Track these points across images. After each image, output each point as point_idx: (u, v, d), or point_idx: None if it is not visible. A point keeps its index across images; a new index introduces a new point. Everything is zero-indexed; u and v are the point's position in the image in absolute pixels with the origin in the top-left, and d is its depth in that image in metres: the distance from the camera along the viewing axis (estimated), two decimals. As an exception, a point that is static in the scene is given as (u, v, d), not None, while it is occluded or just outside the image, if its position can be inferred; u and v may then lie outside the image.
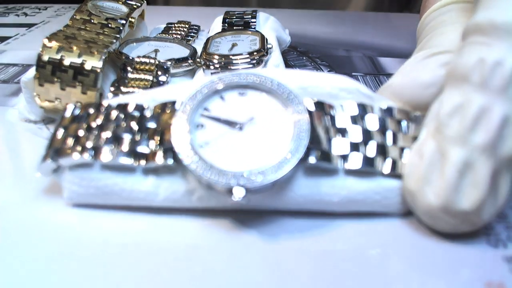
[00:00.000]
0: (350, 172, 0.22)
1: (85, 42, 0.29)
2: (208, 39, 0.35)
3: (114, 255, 0.20)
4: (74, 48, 0.28)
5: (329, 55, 0.45)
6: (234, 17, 0.39)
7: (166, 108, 0.23)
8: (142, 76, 0.30)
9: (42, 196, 0.24)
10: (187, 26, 0.42)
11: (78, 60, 0.28)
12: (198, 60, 0.33)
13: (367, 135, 0.22)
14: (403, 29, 0.52)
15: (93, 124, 0.22)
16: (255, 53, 0.32)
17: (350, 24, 0.55)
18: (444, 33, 0.26)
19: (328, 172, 0.22)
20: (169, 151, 0.21)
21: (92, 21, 0.32)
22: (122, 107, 0.23)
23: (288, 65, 0.35)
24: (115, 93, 0.29)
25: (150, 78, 0.30)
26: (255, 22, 0.39)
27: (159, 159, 0.21)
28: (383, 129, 0.23)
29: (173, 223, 0.22)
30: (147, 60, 0.31)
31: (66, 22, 0.32)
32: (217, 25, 0.40)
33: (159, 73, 0.31)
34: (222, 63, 0.32)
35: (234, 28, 0.37)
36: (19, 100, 0.31)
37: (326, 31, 0.52)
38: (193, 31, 0.41)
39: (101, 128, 0.22)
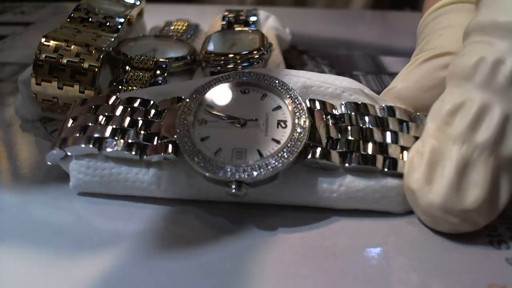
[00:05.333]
0: (350, 170, 0.22)
1: (83, 41, 0.29)
2: (207, 38, 0.35)
3: (112, 253, 0.20)
4: (72, 46, 0.28)
5: (329, 54, 0.44)
6: (234, 15, 0.39)
7: (172, 104, 0.23)
8: (140, 75, 0.30)
9: (39, 196, 0.23)
10: (186, 24, 0.42)
11: (76, 59, 0.28)
12: (197, 58, 0.33)
13: (368, 134, 0.22)
14: (405, 27, 0.52)
15: (101, 116, 0.23)
16: (254, 52, 0.32)
17: (350, 23, 0.55)
18: (442, 34, 0.26)
19: (327, 169, 0.22)
20: (171, 144, 0.22)
21: (90, 19, 0.32)
22: (129, 101, 0.24)
23: (288, 64, 0.35)
24: (113, 92, 0.28)
25: (149, 77, 0.30)
26: (255, 20, 0.38)
27: (161, 152, 0.22)
28: (384, 129, 0.23)
29: (172, 214, 0.22)
30: (145, 59, 0.31)
31: (64, 21, 0.32)
32: (216, 23, 0.40)
33: (158, 72, 0.30)
34: (222, 62, 0.31)
35: (234, 26, 0.37)
36: (16, 99, 0.31)
37: (326, 30, 0.51)
38: (192, 29, 0.41)
39: (107, 120, 0.23)
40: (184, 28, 0.41)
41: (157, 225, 0.22)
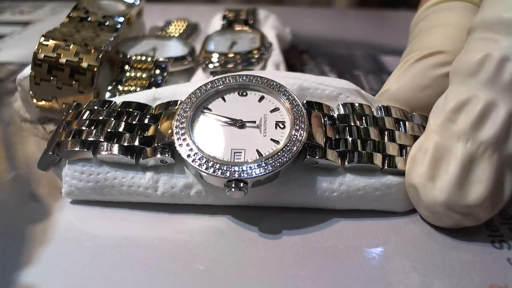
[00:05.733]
0: (349, 169, 0.22)
1: (82, 40, 0.29)
2: (207, 37, 0.35)
3: (112, 254, 0.20)
4: (71, 46, 0.28)
5: (329, 53, 0.44)
6: (234, 15, 0.39)
7: (168, 107, 0.23)
8: (139, 74, 0.30)
9: (38, 196, 0.23)
10: (185, 23, 0.42)
11: (75, 59, 0.28)
12: (197, 58, 0.33)
13: (366, 134, 0.22)
14: (404, 26, 0.52)
15: (95, 120, 0.23)
16: (254, 52, 0.32)
17: (350, 22, 0.55)
18: (432, 33, 0.26)
19: (327, 169, 0.22)
20: (167, 147, 0.21)
21: (89, 19, 0.32)
22: (125, 105, 0.24)
23: (288, 63, 0.35)
24: (113, 92, 0.28)
25: (148, 76, 0.30)
26: (255, 20, 0.38)
27: (158, 154, 0.21)
28: (381, 128, 0.23)
29: (169, 217, 0.22)
30: (145, 59, 0.31)
31: (63, 20, 0.31)
32: (216, 22, 0.40)
33: (157, 71, 0.30)
34: (222, 61, 0.31)
35: (234, 26, 0.37)
36: (15, 99, 0.31)
37: (326, 29, 0.51)
38: (192, 29, 0.41)
39: (102, 124, 0.23)
40: (183, 27, 0.41)
41: (154, 229, 0.21)
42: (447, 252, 0.20)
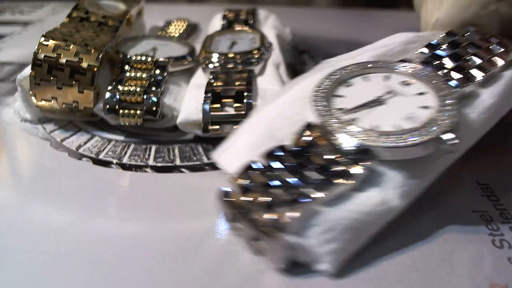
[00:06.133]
0: (483, 84, 0.22)
1: (82, 40, 0.29)
2: (207, 37, 0.35)
3: (112, 254, 0.20)
4: (71, 46, 0.28)
5: (330, 53, 0.44)
6: (234, 15, 0.39)
7: (304, 133, 0.20)
8: (139, 74, 0.30)
9: (39, 197, 0.23)
10: (185, 23, 0.42)
11: (75, 59, 0.28)
12: (197, 58, 0.33)
13: (460, 55, 0.23)
14: (402, 26, 0.52)
15: (263, 183, 0.19)
16: (254, 52, 0.32)
17: (350, 22, 0.55)
18: None
19: (469, 96, 0.22)
20: (355, 155, 0.19)
21: (89, 19, 0.32)
22: (268, 156, 0.20)
23: (288, 63, 0.35)
24: (112, 92, 0.28)
25: (148, 76, 0.30)
26: (255, 20, 0.38)
27: (359, 168, 0.19)
28: (462, 46, 0.24)
29: (170, 215, 0.22)
30: (145, 59, 0.31)
31: (63, 20, 0.32)
32: (216, 22, 0.40)
33: (157, 71, 0.30)
34: (222, 61, 0.31)
35: (234, 26, 0.37)
36: (15, 99, 0.31)
37: (326, 29, 0.51)
38: (192, 29, 0.41)
39: (281, 178, 0.19)
40: (183, 27, 0.41)
41: (154, 229, 0.21)
42: (447, 251, 0.20)
